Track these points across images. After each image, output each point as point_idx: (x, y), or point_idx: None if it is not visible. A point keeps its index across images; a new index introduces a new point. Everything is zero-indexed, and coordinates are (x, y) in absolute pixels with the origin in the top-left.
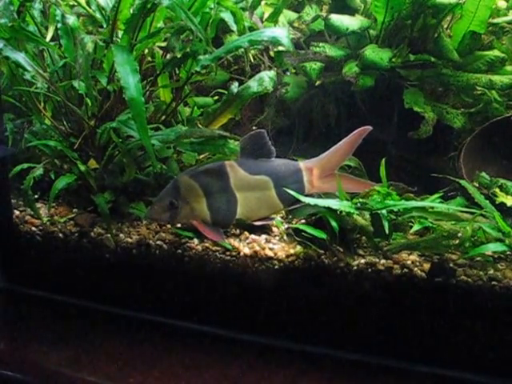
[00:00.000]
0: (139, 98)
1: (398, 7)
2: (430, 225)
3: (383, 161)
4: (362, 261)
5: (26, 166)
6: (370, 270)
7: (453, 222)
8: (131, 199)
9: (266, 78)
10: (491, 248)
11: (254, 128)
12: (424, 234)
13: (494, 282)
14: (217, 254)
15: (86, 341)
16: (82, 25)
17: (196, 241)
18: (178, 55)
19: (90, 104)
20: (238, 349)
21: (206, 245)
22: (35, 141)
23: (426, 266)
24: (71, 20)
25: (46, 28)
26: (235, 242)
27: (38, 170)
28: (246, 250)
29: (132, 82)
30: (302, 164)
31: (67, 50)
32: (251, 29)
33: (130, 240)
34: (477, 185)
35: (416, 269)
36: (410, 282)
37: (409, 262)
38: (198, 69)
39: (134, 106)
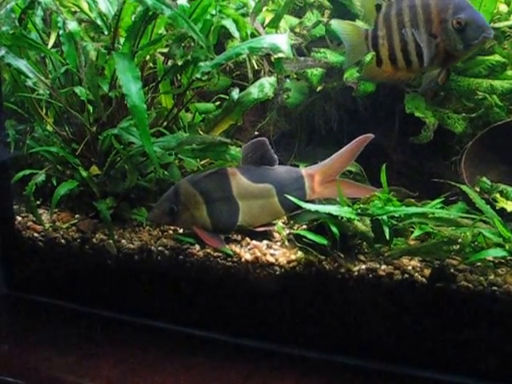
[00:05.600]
0: (141, 106)
1: None
2: (431, 230)
3: (384, 166)
4: (363, 266)
5: (28, 172)
6: (370, 275)
7: (453, 228)
8: (133, 205)
9: (266, 84)
10: (491, 253)
11: (256, 133)
12: (425, 240)
13: (494, 288)
14: (218, 259)
15: (87, 346)
16: (85, 31)
17: (197, 247)
18: (179, 62)
19: (91, 110)
20: (240, 354)
21: (208, 251)
22: (37, 147)
23: (427, 271)
24: (72, 25)
25: (48, 34)
26: (236, 248)
27: (40, 176)
28: (247, 256)
29: (134, 89)
30: (304, 171)
31: (69, 56)
32: (253, 35)
33: (131, 246)
34: (478, 190)
35: (417, 274)
36: (411, 288)
37: (409, 268)
38: (198, 75)
39: (136, 114)
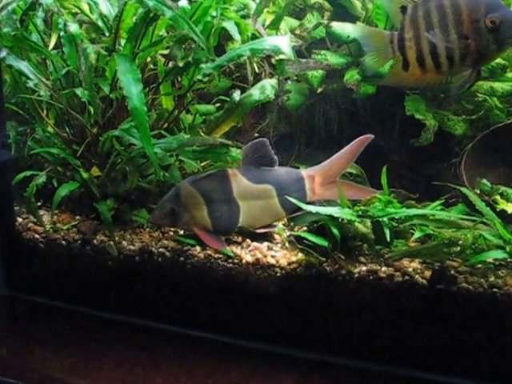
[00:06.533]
0: (142, 108)
1: None
2: (431, 232)
3: (384, 168)
4: (364, 268)
5: (28, 173)
6: (371, 277)
7: (454, 230)
8: (134, 207)
9: (267, 85)
10: (492, 255)
11: (256, 135)
12: (425, 242)
13: (494, 289)
14: (219, 261)
15: (88, 348)
16: (85, 32)
17: (198, 248)
18: (180, 64)
19: (92, 112)
20: (240, 355)
21: (209, 252)
22: (38, 148)
23: (428, 273)
24: (73, 28)
25: (49, 36)
26: (237, 250)
27: (41, 178)
28: (248, 258)
29: (135, 91)
30: (304, 172)
31: (70, 57)
32: (254, 36)
33: (132, 247)
34: (478, 192)
35: (417, 276)
36: (412, 290)
37: (410, 270)
38: (200, 77)
39: (137, 116)
